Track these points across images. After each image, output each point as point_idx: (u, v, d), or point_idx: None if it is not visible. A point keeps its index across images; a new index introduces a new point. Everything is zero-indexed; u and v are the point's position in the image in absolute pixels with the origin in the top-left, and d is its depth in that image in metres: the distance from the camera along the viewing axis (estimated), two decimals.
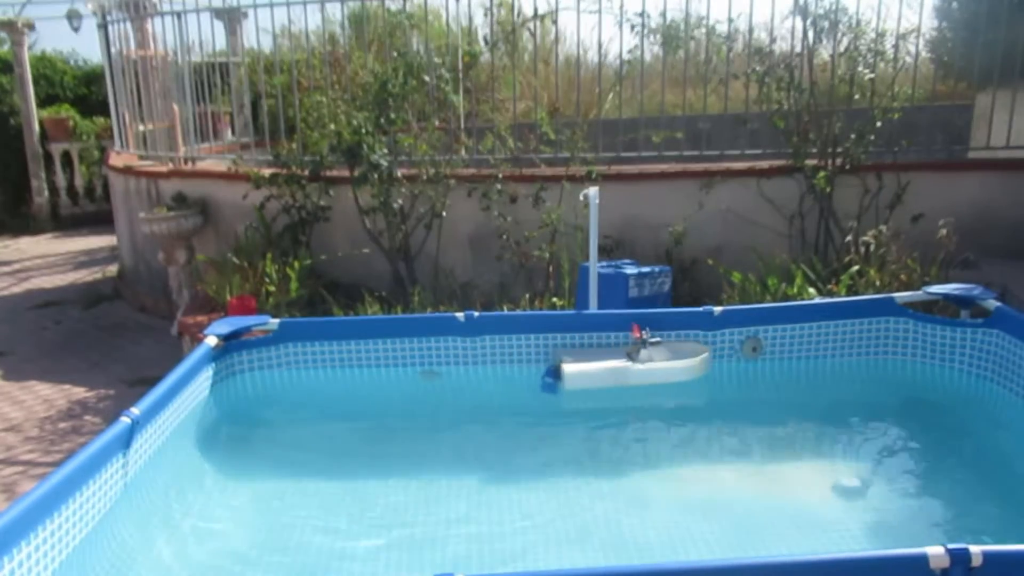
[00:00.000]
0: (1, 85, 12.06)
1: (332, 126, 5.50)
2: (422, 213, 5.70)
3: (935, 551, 1.83)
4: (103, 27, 7.90)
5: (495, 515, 2.87)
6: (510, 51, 6.34)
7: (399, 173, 5.60)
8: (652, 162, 5.92)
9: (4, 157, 12.07)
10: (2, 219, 12.10)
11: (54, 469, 2.34)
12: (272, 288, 5.30)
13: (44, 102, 12.37)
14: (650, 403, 3.74)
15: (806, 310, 3.87)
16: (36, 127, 11.74)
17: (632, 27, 5.68)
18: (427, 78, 5.57)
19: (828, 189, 5.26)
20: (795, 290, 4.62)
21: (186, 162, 7.36)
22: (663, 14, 5.78)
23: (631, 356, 3.66)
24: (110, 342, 6.61)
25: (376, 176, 5.46)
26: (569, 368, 3.58)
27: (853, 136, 5.25)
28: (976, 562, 1.81)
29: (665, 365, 3.64)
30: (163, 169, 7.18)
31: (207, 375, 3.49)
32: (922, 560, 1.82)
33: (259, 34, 12.47)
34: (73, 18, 11.60)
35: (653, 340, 3.66)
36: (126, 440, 2.68)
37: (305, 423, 3.82)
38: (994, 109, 5.58)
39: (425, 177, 5.60)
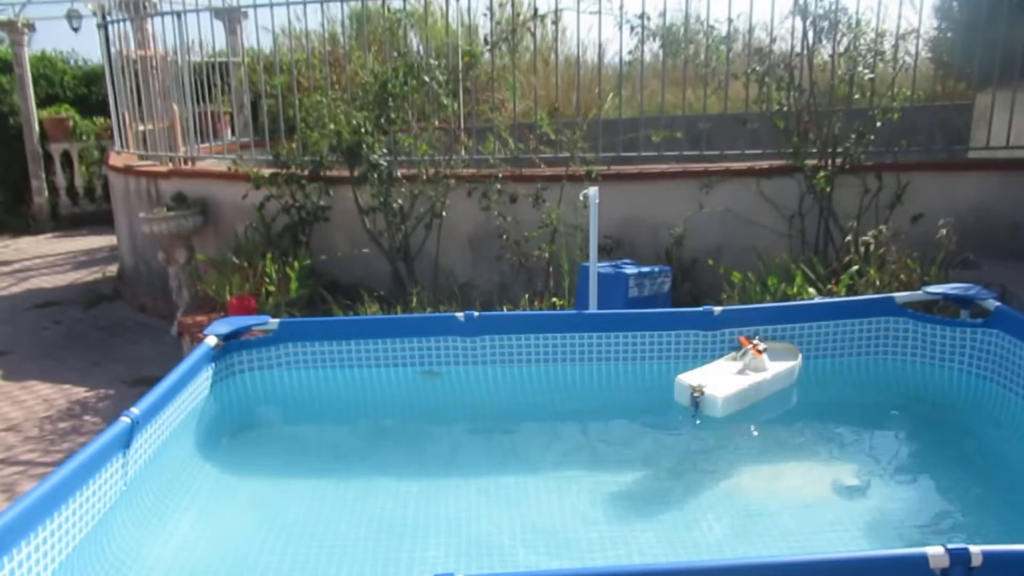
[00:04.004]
0: (1, 85, 12.06)
1: (332, 126, 5.50)
2: (422, 213, 5.70)
3: (935, 551, 1.82)
4: (103, 27, 7.90)
5: (495, 515, 2.87)
6: (510, 51, 6.34)
7: (399, 173, 5.60)
8: (652, 162, 5.92)
9: (4, 157, 12.06)
10: (2, 219, 12.10)
11: (54, 469, 2.34)
12: (272, 288, 5.30)
13: (44, 102, 12.37)
14: (644, 403, 3.74)
15: (806, 310, 3.87)
16: (36, 127, 11.73)
17: (632, 28, 5.69)
18: (427, 78, 5.57)
19: (828, 189, 5.26)
20: (795, 290, 4.62)
21: (186, 162, 7.36)
22: (663, 15, 5.79)
23: (750, 368, 3.46)
24: (110, 342, 6.61)
25: (376, 176, 5.46)
26: (719, 394, 3.29)
27: (853, 136, 5.25)
28: (976, 562, 1.81)
29: (782, 370, 3.50)
30: (163, 169, 7.18)
31: (207, 375, 3.49)
32: (922, 560, 1.82)
33: (259, 34, 12.53)
34: (73, 18, 11.60)
35: (762, 348, 3.49)
36: (126, 440, 2.68)
37: (305, 423, 3.82)
38: (994, 109, 5.58)
39: (425, 177, 5.60)
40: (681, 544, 2.64)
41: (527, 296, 5.31)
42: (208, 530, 2.85)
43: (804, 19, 5.34)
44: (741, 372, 3.48)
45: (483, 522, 2.82)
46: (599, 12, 5.86)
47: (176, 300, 6.66)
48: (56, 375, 5.83)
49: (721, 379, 3.42)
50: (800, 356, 3.62)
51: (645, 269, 4.89)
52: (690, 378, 3.40)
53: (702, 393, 3.31)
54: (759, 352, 3.49)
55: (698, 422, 3.32)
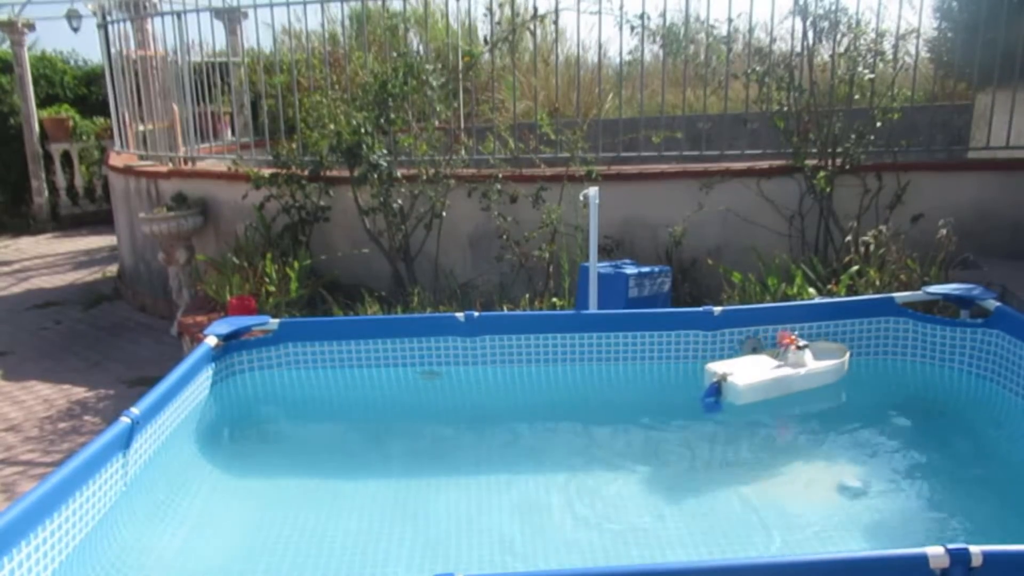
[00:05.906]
0: (1, 85, 12.06)
1: (332, 126, 5.50)
2: (422, 213, 5.70)
3: (935, 551, 1.83)
4: (103, 27, 7.90)
5: (495, 514, 2.87)
6: (510, 51, 6.34)
7: (399, 173, 5.60)
8: (652, 162, 5.92)
9: (4, 157, 12.06)
10: (2, 219, 12.10)
11: (54, 469, 2.34)
12: (272, 288, 5.30)
13: (44, 102, 12.36)
14: (644, 404, 3.74)
15: (806, 310, 3.87)
16: (36, 127, 11.73)
17: (632, 28, 5.69)
18: (426, 79, 5.56)
19: (828, 189, 5.27)
20: (795, 290, 4.62)
21: (186, 162, 7.36)
22: (663, 15, 5.79)
23: (785, 362, 3.52)
24: (110, 342, 6.61)
25: (376, 176, 5.45)
26: (740, 382, 3.38)
27: (853, 136, 5.25)
28: (976, 562, 1.82)
29: (820, 368, 3.54)
30: (163, 169, 7.18)
31: (207, 375, 3.49)
32: (922, 560, 1.83)
33: (259, 34, 12.54)
34: (73, 18, 11.59)
35: (802, 344, 3.55)
36: (126, 440, 2.69)
37: (305, 423, 3.82)
38: (994, 109, 5.58)
39: (425, 177, 5.60)
40: (680, 543, 2.64)
41: (527, 296, 5.31)
42: (208, 530, 2.85)
43: (804, 19, 5.34)
44: (774, 366, 3.53)
45: (482, 522, 2.82)
46: (599, 12, 5.86)
47: (176, 300, 6.66)
48: (56, 375, 5.83)
49: (747, 369, 3.49)
50: (848, 354, 3.64)
51: (645, 269, 4.89)
52: (718, 366, 3.51)
53: (725, 379, 3.40)
54: (798, 348, 3.53)
55: (720, 410, 3.38)
